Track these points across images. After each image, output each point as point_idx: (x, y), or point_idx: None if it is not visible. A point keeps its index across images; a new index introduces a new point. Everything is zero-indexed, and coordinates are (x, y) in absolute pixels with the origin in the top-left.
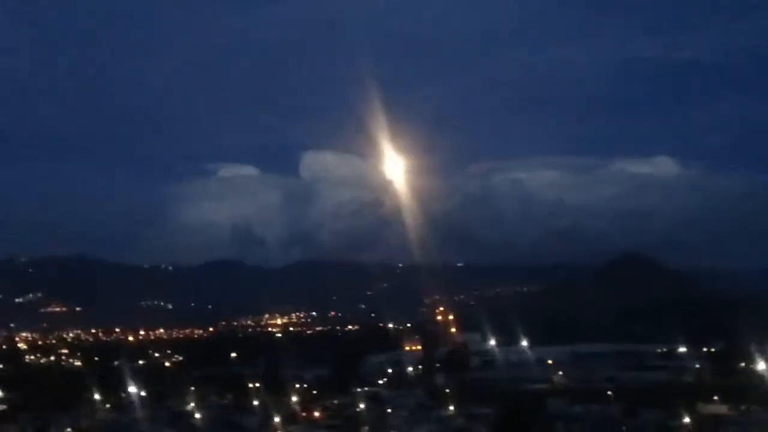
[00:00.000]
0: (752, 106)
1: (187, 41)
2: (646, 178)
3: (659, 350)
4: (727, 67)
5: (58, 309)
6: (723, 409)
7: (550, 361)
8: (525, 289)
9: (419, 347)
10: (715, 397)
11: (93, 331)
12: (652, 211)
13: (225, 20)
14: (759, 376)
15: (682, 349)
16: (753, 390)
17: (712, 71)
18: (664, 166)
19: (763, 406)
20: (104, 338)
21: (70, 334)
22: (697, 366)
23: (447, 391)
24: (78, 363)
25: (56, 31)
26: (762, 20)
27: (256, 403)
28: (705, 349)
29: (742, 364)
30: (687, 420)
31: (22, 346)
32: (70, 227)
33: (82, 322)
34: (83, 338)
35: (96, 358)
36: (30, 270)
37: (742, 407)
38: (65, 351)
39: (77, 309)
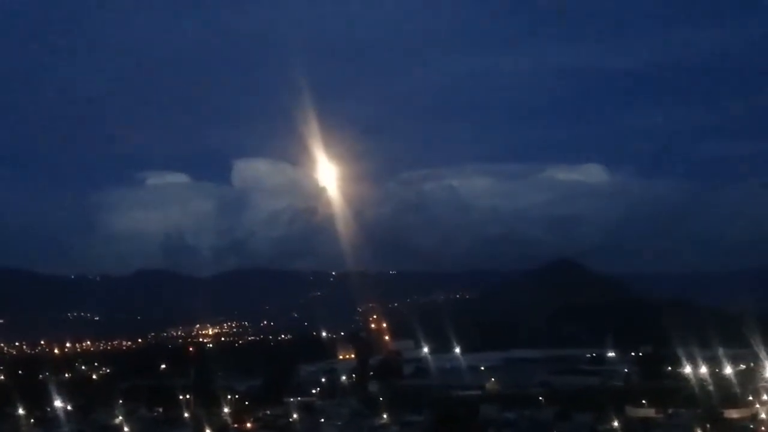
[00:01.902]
0: (679, 113)
1: (117, 46)
2: (575, 184)
3: (590, 355)
4: (654, 76)
5: None
6: (650, 412)
7: (483, 368)
8: (458, 295)
9: (353, 356)
10: (643, 401)
11: (17, 343)
12: (582, 217)
13: (156, 26)
14: (685, 379)
15: (612, 354)
16: (679, 393)
17: (640, 80)
18: (593, 173)
19: (689, 409)
20: (29, 351)
21: None
22: (626, 370)
23: (380, 399)
24: (1, 377)
25: None
26: (690, 31)
27: (186, 415)
28: (633, 353)
29: (669, 368)
30: (616, 423)
31: None
32: None
33: (6, 334)
34: (6, 351)
35: (20, 372)
36: None
37: (669, 410)
38: None
39: (0, 321)
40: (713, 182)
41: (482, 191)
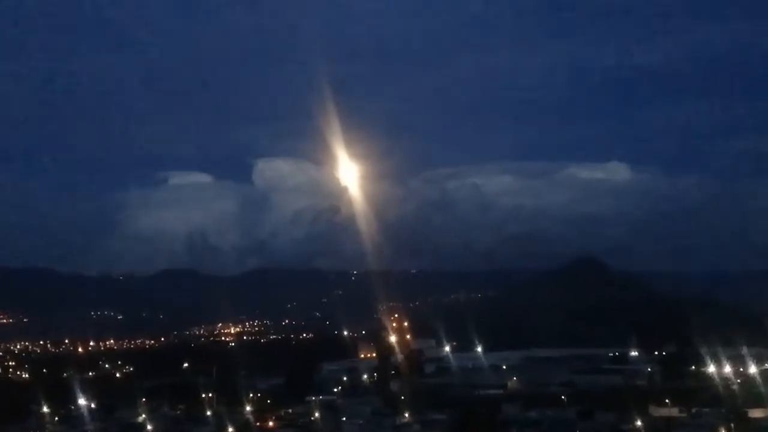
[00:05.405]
0: (703, 110)
1: (138, 47)
2: (599, 183)
3: (612, 354)
4: (678, 73)
5: (4, 320)
6: (674, 411)
7: (504, 366)
8: (480, 294)
9: (374, 354)
10: (667, 400)
11: (41, 342)
12: (605, 215)
13: (179, 25)
14: (709, 378)
15: (635, 353)
16: (703, 392)
17: (663, 78)
18: (616, 171)
19: (713, 408)
20: (53, 350)
21: (18, 346)
22: (650, 369)
23: (402, 398)
24: (26, 375)
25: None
26: (711, 29)
27: (209, 413)
28: (657, 352)
29: (693, 367)
30: (639, 423)
31: None
32: (17, 236)
33: (30, 333)
34: (31, 350)
35: (44, 370)
36: None
37: (693, 409)
38: (12, 363)
39: (25, 320)
40: (738, 180)
41: (505, 189)
